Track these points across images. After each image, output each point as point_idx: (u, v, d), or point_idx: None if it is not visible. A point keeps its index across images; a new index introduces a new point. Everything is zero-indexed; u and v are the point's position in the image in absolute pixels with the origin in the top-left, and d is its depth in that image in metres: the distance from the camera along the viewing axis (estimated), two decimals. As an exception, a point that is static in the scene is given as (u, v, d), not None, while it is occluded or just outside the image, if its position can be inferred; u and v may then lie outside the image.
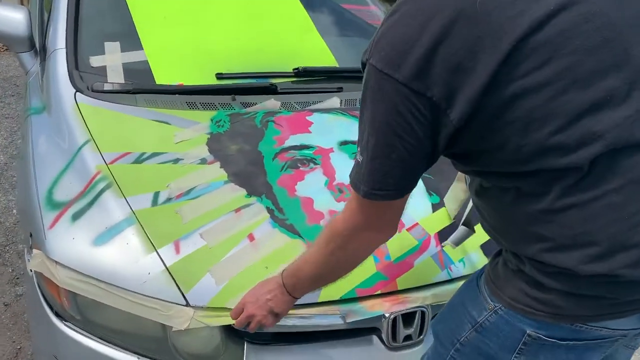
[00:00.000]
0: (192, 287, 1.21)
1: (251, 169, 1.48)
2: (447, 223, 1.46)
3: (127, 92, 1.68)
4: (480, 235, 1.47)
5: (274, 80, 1.84)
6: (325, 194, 1.44)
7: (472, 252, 1.44)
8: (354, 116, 1.76)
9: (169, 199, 1.36)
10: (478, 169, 0.92)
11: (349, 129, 1.70)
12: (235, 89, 1.76)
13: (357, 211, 0.97)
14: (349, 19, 2.31)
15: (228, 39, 1.93)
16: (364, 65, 0.88)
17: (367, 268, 1.31)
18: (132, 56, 1.82)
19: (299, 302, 1.21)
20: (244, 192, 1.40)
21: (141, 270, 1.22)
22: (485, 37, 0.76)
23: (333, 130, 1.68)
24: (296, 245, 1.31)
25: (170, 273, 1.22)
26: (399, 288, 1.32)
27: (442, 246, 1.40)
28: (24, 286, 2.20)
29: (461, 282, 1.39)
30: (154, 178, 1.41)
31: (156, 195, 1.36)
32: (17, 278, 2.32)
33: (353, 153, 1.59)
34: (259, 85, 1.79)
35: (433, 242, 1.42)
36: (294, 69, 1.87)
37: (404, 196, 0.93)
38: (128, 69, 1.78)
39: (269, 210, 1.37)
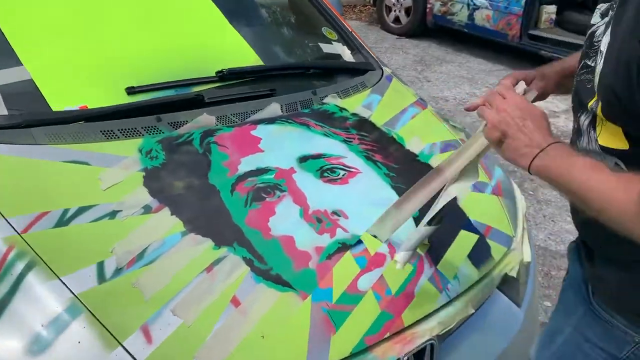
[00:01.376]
0: (179, 383, 0.95)
1: (210, 211, 1.21)
2: (434, 237, 1.34)
3: (18, 126, 1.28)
4: (464, 245, 1.38)
5: (196, 88, 1.55)
6: (304, 227, 1.23)
7: (461, 266, 1.34)
8: (303, 124, 1.54)
9: (119, 270, 1.05)
10: None
11: (303, 140, 1.48)
12: (155, 105, 1.44)
13: None
14: (265, 9, 2.05)
15: (132, 45, 1.58)
16: None
17: (371, 311, 1.14)
18: (9, 75, 1.41)
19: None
20: (210, 242, 1.14)
21: (106, 377, 0.93)
22: None
23: (286, 145, 1.45)
24: (290, 300, 1.09)
25: (145, 371, 0.95)
26: (406, 324, 1.17)
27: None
28: None
29: (459, 302, 1.30)
30: (90, 244, 1.09)
31: (100, 267, 1.05)
32: None
33: (317, 170, 1.39)
34: (183, 98, 1.49)
35: (426, 262, 1.28)
36: (217, 72, 1.59)
37: None
38: (8, 94, 1.37)
39: (246, 261, 1.12)
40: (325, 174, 1.38)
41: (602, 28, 0.86)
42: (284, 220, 1.23)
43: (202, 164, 1.32)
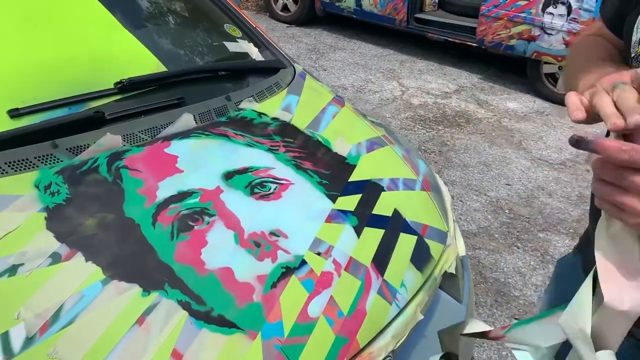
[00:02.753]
0: None
1: (131, 250, 1.04)
2: (375, 245, 1.27)
3: None
4: (406, 249, 1.33)
5: (93, 104, 1.35)
6: (241, 255, 1.10)
7: (406, 272, 1.29)
8: (222, 135, 1.40)
9: (30, 340, 0.87)
10: None
11: (225, 154, 1.34)
12: (47, 129, 1.23)
13: None
14: (161, 9, 1.84)
15: (11, 59, 1.34)
16: None
17: (325, 338, 1.05)
18: None
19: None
20: (137, 288, 0.98)
21: None
22: None
23: (207, 161, 1.30)
24: (238, 343, 0.97)
25: None
26: (361, 346, 1.10)
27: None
28: None
29: (408, 310, 1.25)
30: (-12, 311, 0.89)
31: (5, 339, 0.86)
32: None
33: (246, 187, 1.26)
34: (81, 116, 1.29)
35: (373, 274, 1.21)
36: (116, 84, 1.40)
37: None
38: None
39: (182, 304, 0.98)
40: (256, 190, 1.26)
41: None
42: (218, 249, 1.09)
43: (114, 195, 1.14)
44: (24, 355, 0.85)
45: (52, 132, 1.23)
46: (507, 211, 3.04)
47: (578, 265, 1.01)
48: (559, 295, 1.08)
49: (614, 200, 0.57)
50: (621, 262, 0.59)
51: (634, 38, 0.78)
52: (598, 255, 0.60)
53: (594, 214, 0.94)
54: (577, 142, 0.59)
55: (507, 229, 2.87)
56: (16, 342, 0.86)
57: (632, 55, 0.79)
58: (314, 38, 5.94)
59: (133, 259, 1.03)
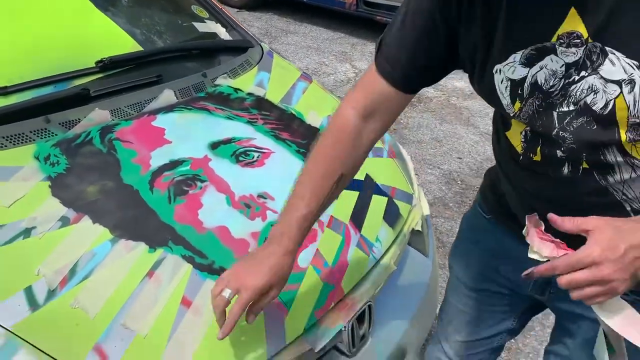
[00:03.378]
0: (149, 397, 0.90)
1: (134, 213, 1.13)
2: (352, 205, 1.40)
3: None
4: (378, 209, 1.47)
5: (77, 82, 1.41)
6: (235, 215, 1.20)
7: (380, 228, 1.42)
8: (203, 109, 1.48)
9: (52, 292, 0.95)
10: None
11: (208, 126, 1.43)
12: (38, 105, 1.28)
13: None
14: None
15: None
16: None
17: (315, 285, 1.17)
18: None
19: (270, 352, 1.03)
20: (144, 246, 1.07)
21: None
22: None
23: (192, 133, 1.39)
24: (239, 290, 1.08)
25: (109, 393, 0.88)
26: (345, 292, 1.23)
27: None
28: None
29: (383, 261, 1.38)
30: (10, 269, 0.96)
31: (30, 293, 0.93)
32: None
33: (231, 155, 1.36)
34: (68, 94, 1.34)
35: (351, 230, 1.34)
36: (97, 63, 1.46)
37: None
38: None
39: (187, 258, 1.08)
40: (241, 158, 1.36)
41: (557, 71, 0.79)
42: (213, 211, 1.19)
43: (111, 164, 1.22)
44: (48, 307, 0.93)
45: (43, 108, 1.28)
46: (459, 182, 3.24)
47: (496, 231, 1.08)
48: (469, 253, 1.19)
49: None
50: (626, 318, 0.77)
51: (504, 102, 0.85)
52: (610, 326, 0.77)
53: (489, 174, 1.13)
54: (528, 275, 0.77)
55: (460, 198, 3.07)
56: (40, 295, 0.94)
57: (511, 115, 0.85)
58: (265, 22, 5.98)
59: (136, 221, 1.11)
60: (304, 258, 1.20)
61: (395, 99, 0.94)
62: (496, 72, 0.83)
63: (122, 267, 1.02)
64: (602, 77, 0.75)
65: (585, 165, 0.82)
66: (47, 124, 1.25)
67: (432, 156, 3.52)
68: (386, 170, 1.63)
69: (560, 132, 0.81)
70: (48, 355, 0.88)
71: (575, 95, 0.78)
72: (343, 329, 1.18)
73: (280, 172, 1.37)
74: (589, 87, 0.76)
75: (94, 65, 1.45)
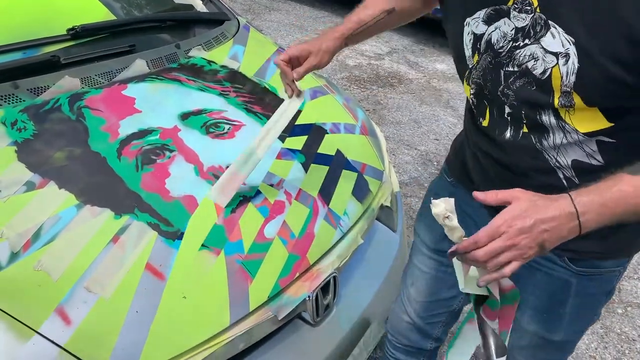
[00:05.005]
0: None
1: (100, 179, 1.13)
2: (321, 179, 1.42)
3: None
4: (348, 184, 1.49)
5: (47, 49, 1.40)
6: (202, 185, 1.21)
7: (348, 202, 1.45)
8: (175, 80, 1.48)
9: (15, 255, 0.96)
10: None
11: (179, 97, 1.43)
12: (6, 70, 1.27)
13: None
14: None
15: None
16: None
17: (280, 255, 1.20)
18: None
19: (232, 318, 1.06)
20: (109, 212, 1.08)
21: (27, 368, 0.86)
22: None
23: (162, 102, 1.39)
24: (205, 257, 1.10)
25: (70, 353, 0.90)
26: (311, 263, 1.26)
27: None
28: None
29: (350, 234, 1.41)
30: (-28, 231, 0.97)
31: (-8, 255, 0.94)
32: None
33: (202, 127, 1.37)
34: (37, 60, 1.33)
35: (319, 203, 1.36)
36: (68, 30, 1.44)
37: None
38: None
39: (152, 226, 1.09)
40: (211, 130, 1.37)
41: (507, 33, 0.87)
42: (181, 180, 1.20)
43: (79, 131, 1.22)
44: (11, 268, 0.94)
45: (12, 73, 1.27)
46: (435, 163, 3.28)
47: (456, 193, 1.10)
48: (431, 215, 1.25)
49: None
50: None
51: (467, 53, 0.95)
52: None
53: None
54: (452, 253, 0.84)
55: (436, 179, 3.11)
56: (2, 257, 0.95)
57: (470, 66, 0.96)
58: (249, -2, 5.92)
59: (103, 187, 1.12)
60: (271, 229, 1.22)
61: None
62: (466, 24, 0.94)
63: (87, 232, 1.03)
64: (542, 47, 0.83)
65: (525, 129, 0.91)
66: (15, 89, 1.25)
67: (410, 137, 3.55)
68: (357, 147, 1.65)
69: (505, 90, 0.90)
70: (9, 315, 0.89)
71: (519, 59, 0.86)
72: (307, 298, 1.21)
73: (250, 145, 1.38)
74: (530, 54, 0.85)
75: (66, 33, 1.44)
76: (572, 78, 0.81)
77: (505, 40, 0.88)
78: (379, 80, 4.32)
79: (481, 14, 0.90)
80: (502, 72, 0.90)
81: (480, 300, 0.96)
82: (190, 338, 1.00)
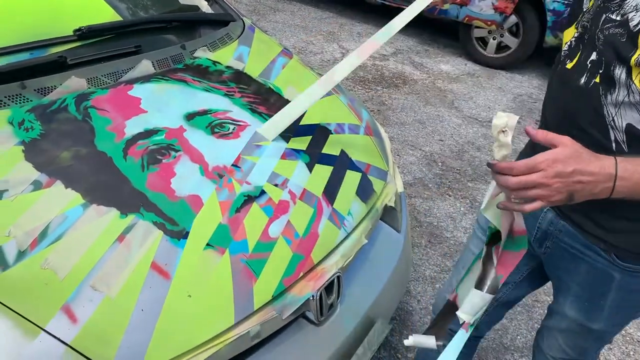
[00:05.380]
0: (114, 358, 0.93)
1: (106, 179, 1.14)
2: (325, 179, 1.42)
3: None
4: (352, 184, 1.49)
5: (55, 50, 1.41)
6: (207, 185, 1.22)
7: (352, 202, 1.45)
8: (180, 81, 1.49)
9: (22, 253, 0.97)
10: None
11: (185, 97, 1.44)
12: (14, 71, 1.28)
13: None
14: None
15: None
16: None
17: (284, 255, 1.20)
18: None
19: (237, 317, 1.06)
20: (115, 211, 1.09)
21: (34, 365, 0.87)
22: None
23: (168, 103, 1.40)
24: (210, 256, 1.10)
25: (76, 351, 0.90)
26: (315, 262, 1.26)
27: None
28: None
29: (354, 235, 1.41)
30: (-20, 230, 0.98)
31: (0, 253, 0.95)
32: None
33: (207, 127, 1.37)
34: (45, 60, 1.34)
35: (323, 203, 1.37)
36: (75, 31, 1.45)
37: None
38: None
39: (158, 225, 1.10)
40: (216, 130, 1.37)
41: None
42: (186, 180, 1.21)
43: (85, 131, 1.23)
44: (18, 266, 0.95)
45: (19, 74, 1.28)
46: (440, 164, 3.28)
47: None
48: None
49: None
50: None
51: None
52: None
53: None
54: (492, 165, 0.89)
55: (440, 180, 3.11)
56: (10, 255, 0.96)
57: (584, 9, 1.00)
58: (254, -1, 5.94)
59: (109, 187, 1.13)
60: (275, 229, 1.23)
61: None
62: None
63: (93, 231, 1.04)
64: None
65: (597, 79, 0.93)
66: (23, 89, 1.26)
67: (415, 138, 3.55)
68: (362, 147, 1.66)
69: (599, 34, 0.93)
70: (16, 312, 0.90)
71: (625, 8, 0.89)
72: (311, 298, 1.22)
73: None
74: (635, 5, 0.88)
75: (72, 34, 1.45)
76: None
77: None
78: (384, 81, 4.32)
79: None
80: (603, 17, 0.93)
81: (495, 239, 0.99)
82: (195, 336, 1.01)
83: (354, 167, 1.54)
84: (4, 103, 1.21)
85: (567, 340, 1.22)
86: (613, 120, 0.93)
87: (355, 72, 4.39)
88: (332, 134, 1.60)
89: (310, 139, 1.52)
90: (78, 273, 0.98)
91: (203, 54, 1.65)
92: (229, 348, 1.05)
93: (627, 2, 0.89)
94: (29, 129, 1.17)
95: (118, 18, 1.62)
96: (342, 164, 1.51)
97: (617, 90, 0.91)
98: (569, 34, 1.05)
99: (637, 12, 0.86)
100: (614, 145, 0.94)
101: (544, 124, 1.12)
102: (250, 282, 1.12)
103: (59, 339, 0.90)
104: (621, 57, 0.88)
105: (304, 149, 1.47)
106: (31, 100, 1.25)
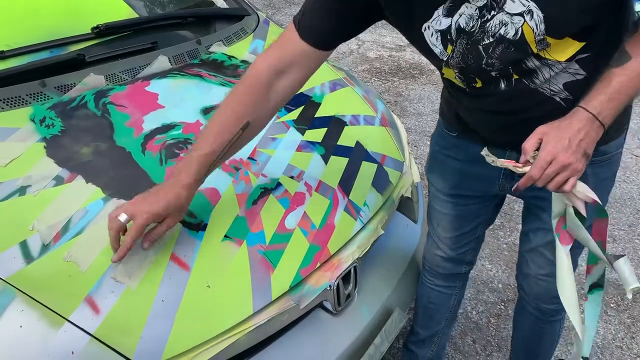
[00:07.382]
0: (136, 347, 0.95)
1: (126, 173, 1.17)
2: (341, 171, 1.43)
3: None
4: (367, 175, 1.50)
5: (73, 47, 1.44)
6: (224, 178, 1.24)
7: (368, 193, 1.46)
8: (196, 75, 1.51)
9: (45, 247, 1.00)
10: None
11: (201, 92, 1.46)
12: (34, 70, 1.31)
13: None
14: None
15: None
16: None
17: (301, 246, 1.22)
18: None
19: (255, 307, 1.08)
20: (135, 205, 1.11)
21: (59, 355, 0.90)
22: None
23: (185, 98, 1.42)
24: (228, 247, 1.12)
25: (100, 340, 0.93)
26: (332, 253, 1.27)
27: None
28: None
29: (371, 225, 1.42)
30: (5, 224, 1.01)
31: (24, 247, 0.98)
32: None
33: (223, 120, 1.39)
34: (63, 59, 1.37)
35: (339, 194, 1.38)
36: (93, 29, 1.48)
37: None
38: None
39: (176, 218, 1.12)
40: (232, 123, 1.39)
41: (472, 15, 0.94)
42: (203, 173, 1.23)
43: (104, 127, 1.25)
44: (43, 259, 0.98)
45: (39, 72, 1.31)
46: (458, 154, 3.26)
47: (462, 145, 1.26)
48: (443, 167, 1.36)
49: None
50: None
51: (436, 50, 1.02)
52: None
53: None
54: (516, 189, 1.00)
55: (458, 170, 3.09)
56: (34, 249, 0.99)
57: (444, 59, 1.03)
58: (269, -7, 5.95)
59: (128, 181, 1.15)
60: (292, 220, 1.24)
61: (311, 56, 1.09)
62: (425, 29, 1.00)
63: (114, 224, 1.07)
64: (507, 12, 0.92)
65: (515, 76, 1.00)
66: (43, 87, 1.29)
67: (432, 128, 3.53)
68: (377, 138, 1.66)
69: (489, 60, 0.99)
70: (42, 304, 0.93)
71: (491, 30, 0.95)
72: (328, 287, 1.23)
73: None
74: (499, 22, 0.94)
75: (90, 32, 1.48)
76: (542, 27, 0.91)
77: (472, 20, 0.95)
78: (400, 72, 4.31)
79: (439, 12, 0.97)
80: (480, 47, 0.98)
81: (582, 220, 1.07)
82: (215, 326, 1.03)
83: (369, 158, 1.55)
84: (26, 101, 1.25)
85: (553, 252, 1.26)
86: (551, 90, 1.01)
87: (371, 64, 4.38)
88: (347, 125, 1.60)
89: (326, 131, 1.53)
90: (100, 265, 1.00)
91: (218, 49, 1.67)
92: (248, 337, 1.07)
93: (488, 25, 0.94)
94: (50, 126, 1.20)
95: (134, 15, 1.65)
96: (357, 155, 1.52)
97: (539, 73, 0.98)
98: (449, 73, 1.09)
99: (505, 25, 0.93)
100: (562, 103, 1.01)
101: (485, 130, 1.17)
102: (267, 272, 1.14)
103: (82, 329, 0.93)
104: (523, 57, 0.96)
105: (320, 141, 1.48)
106: (51, 98, 1.28)
